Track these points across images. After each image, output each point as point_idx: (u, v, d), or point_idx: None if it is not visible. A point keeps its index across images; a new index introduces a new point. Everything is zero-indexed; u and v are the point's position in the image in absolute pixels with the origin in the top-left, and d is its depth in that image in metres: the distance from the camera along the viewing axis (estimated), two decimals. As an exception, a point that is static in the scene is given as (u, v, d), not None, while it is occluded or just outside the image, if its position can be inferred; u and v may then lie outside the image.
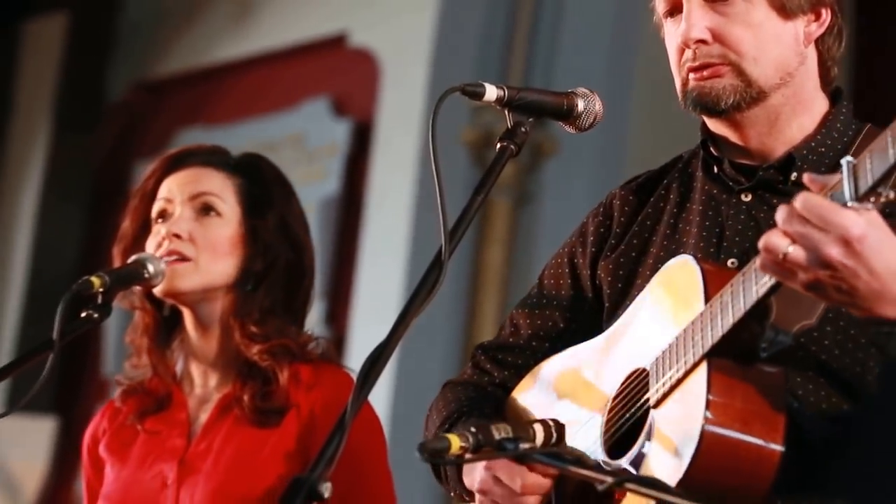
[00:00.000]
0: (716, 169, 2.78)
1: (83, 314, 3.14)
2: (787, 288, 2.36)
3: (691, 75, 2.69)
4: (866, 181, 2.21)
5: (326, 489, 2.15)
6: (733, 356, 2.44)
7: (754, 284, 2.38)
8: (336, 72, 8.38)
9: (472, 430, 2.38)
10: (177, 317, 3.39)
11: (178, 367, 3.37)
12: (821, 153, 2.70)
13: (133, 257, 3.25)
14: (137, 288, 3.31)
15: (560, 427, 2.57)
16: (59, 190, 9.22)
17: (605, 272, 2.86)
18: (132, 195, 3.42)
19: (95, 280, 3.12)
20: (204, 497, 3.18)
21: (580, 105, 2.66)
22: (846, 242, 2.23)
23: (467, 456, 2.36)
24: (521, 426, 2.51)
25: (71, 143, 9.28)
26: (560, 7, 7.68)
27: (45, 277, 8.95)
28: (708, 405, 2.40)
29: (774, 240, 2.27)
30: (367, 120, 8.06)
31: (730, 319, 2.41)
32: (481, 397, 2.92)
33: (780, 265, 2.27)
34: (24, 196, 9.38)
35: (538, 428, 2.53)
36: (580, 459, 2.36)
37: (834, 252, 2.23)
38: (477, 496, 2.69)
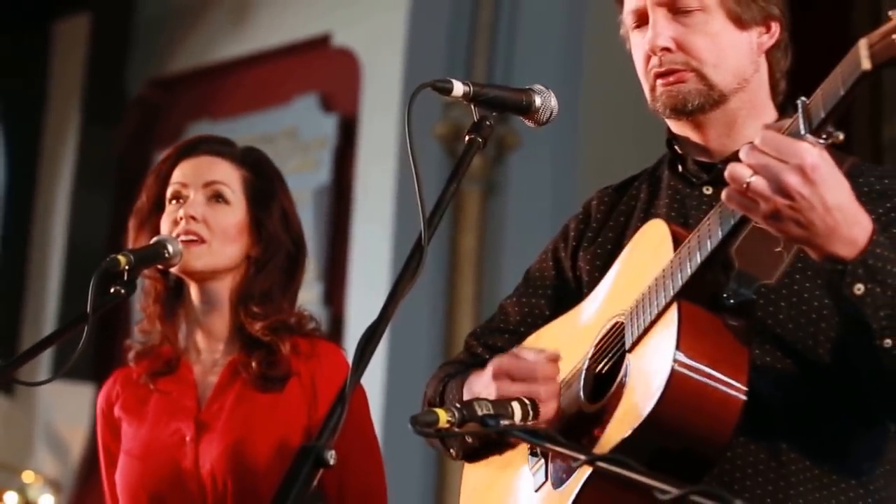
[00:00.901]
0: (680, 167, 2.75)
1: (112, 290, 3.07)
2: (748, 247, 2.35)
3: (658, 81, 2.65)
4: (818, 115, 2.19)
5: (331, 456, 2.12)
6: (701, 302, 2.39)
7: (719, 226, 2.35)
8: (322, 70, 8.32)
9: (457, 405, 2.36)
10: (180, 287, 3.34)
11: (182, 336, 3.33)
12: None
13: (154, 239, 3.23)
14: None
15: (535, 404, 2.49)
16: (88, 177, 9.17)
17: (584, 262, 2.83)
18: (148, 175, 3.37)
19: (121, 258, 3.06)
20: (221, 453, 3.16)
21: (537, 101, 2.58)
22: (802, 170, 2.20)
23: (453, 430, 2.33)
24: (500, 403, 2.45)
25: (97, 136, 9.22)
26: (515, 10, 7.67)
27: (80, 255, 8.91)
28: (678, 344, 2.34)
29: (738, 170, 2.24)
30: (352, 114, 8.02)
31: (697, 259, 2.37)
32: (473, 366, 2.85)
33: (743, 194, 2.24)
34: (59, 184, 9.34)
35: (516, 405, 2.46)
36: (553, 436, 2.30)
37: (792, 180, 2.20)
38: (491, 381, 2.61)
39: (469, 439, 2.76)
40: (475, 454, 2.81)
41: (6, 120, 9.58)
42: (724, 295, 2.39)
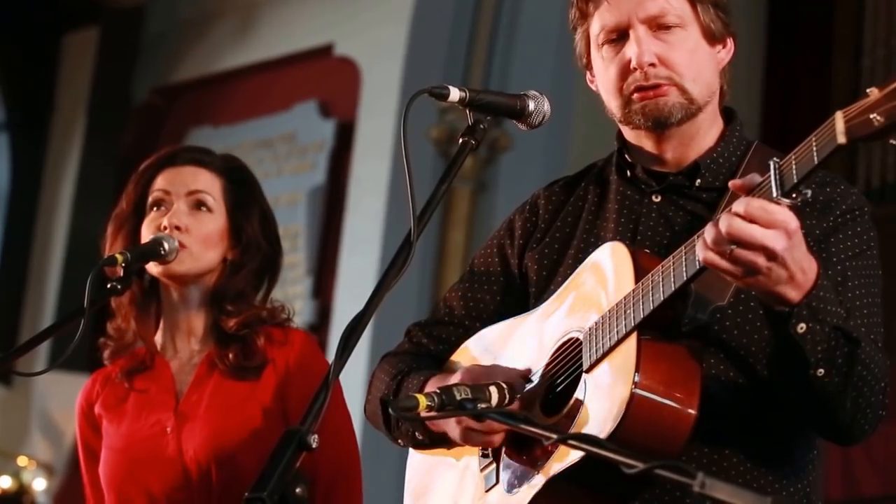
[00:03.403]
0: (629, 173, 2.70)
1: (109, 285, 3.06)
2: (704, 274, 2.34)
3: (636, 94, 2.61)
4: (791, 179, 2.19)
5: (314, 440, 2.12)
6: (659, 330, 2.40)
7: (684, 268, 2.34)
8: (323, 78, 8.34)
9: (437, 391, 2.35)
10: (154, 287, 3.28)
11: (158, 336, 3.27)
12: (719, 164, 2.65)
13: (151, 237, 3.18)
14: (152, 266, 3.21)
15: (512, 389, 2.49)
16: (91, 180, 9.16)
17: (531, 261, 2.77)
18: (129, 182, 3.30)
19: (119, 256, 3.04)
20: (203, 440, 3.11)
21: (531, 105, 2.58)
22: (788, 235, 2.22)
23: (433, 414, 2.34)
24: (478, 388, 2.43)
25: (102, 140, 9.22)
26: (514, 20, 7.70)
27: (80, 254, 8.88)
28: (638, 370, 2.35)
29: (721, 239, 2.24)
30: (350, 120, 8.03)
31: (660, 296, 2.35)
32: (420, 360, 2.83)
33: (727, 259, 2.24)
34: (63, 186, 9.33)
35: (493, 390, 2.45)
36: (528, 418, 2.30)
37: (779, 245, 2.21)
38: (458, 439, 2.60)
39: (419, 436, 2.72)
40: (423, 447, 2.77)
41: (14, 124, 9.57)
42: (684, 321, 2.41)
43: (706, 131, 2.68)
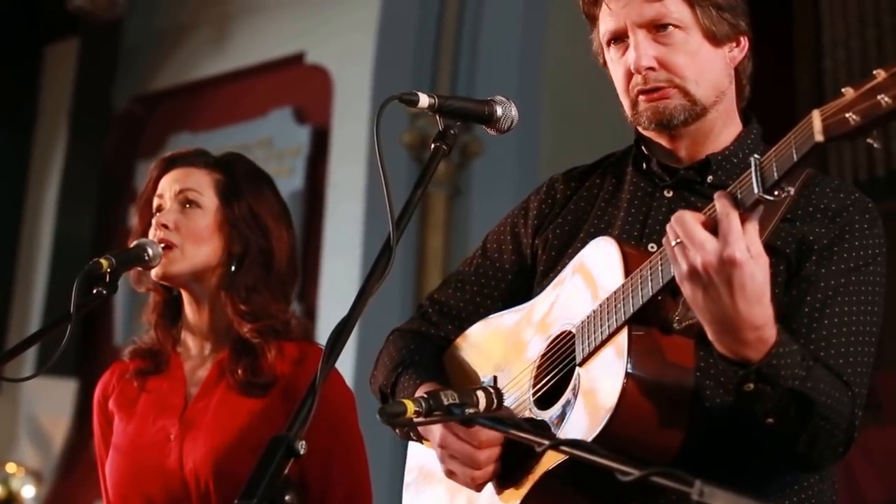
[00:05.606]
0: (644, 165, 2.71)
1: (94, 291, 3.03)
2: None
3: (641, 97, 2.61)
4: (772, 176, 2.17)
5: (301, 447, 2.10)
6: (651, 325, 2.38)
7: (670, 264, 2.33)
8: (297, 85, 8.33)
9: (425, 395, 2.33)
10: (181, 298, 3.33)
11: (182, 335, 3.31)
12: (734, 163, 2.64)
13: (134, 242, 3.19)
14: (152, 271, 3.23)
15: (500, 393, 2.49)
16: (75, 185, 9.13)
17: (542, 242, 2.78)
18: (137, 199, 3.36)
19: (104, 262, 3.03)
20: (204, 454, 3.11)
21: (498, 111, 2.58)
22: (707, 264, 2.20)
23: (420, 419, 2.33)
24: (465, 392, 2.43)
25: (85, 147, 9.18)
26: (477, 28, 7.71)
27: (65, 259, 8.86)
28: (629, 363, 2.33)
29: (669, 233, 2.26)
30: (325, 125, 8.03)
31: (649, 291, 2.34)
32: (424, 348, 2.83)
33: (670, 251, 2.26)
34: (47, 191, 9.29)
35: (481, 394, 2.45)
36: (518, 423, 2.29)
37: (693, 259, 2.21)
38: (437, 450, 2.59)
39: (414, 437, 2.73)
40: (421, 441, 2.78)
41: (-1, 132, 9.56)
42: (675, 318, 2.39)
43: (720, 130, 2.67)
